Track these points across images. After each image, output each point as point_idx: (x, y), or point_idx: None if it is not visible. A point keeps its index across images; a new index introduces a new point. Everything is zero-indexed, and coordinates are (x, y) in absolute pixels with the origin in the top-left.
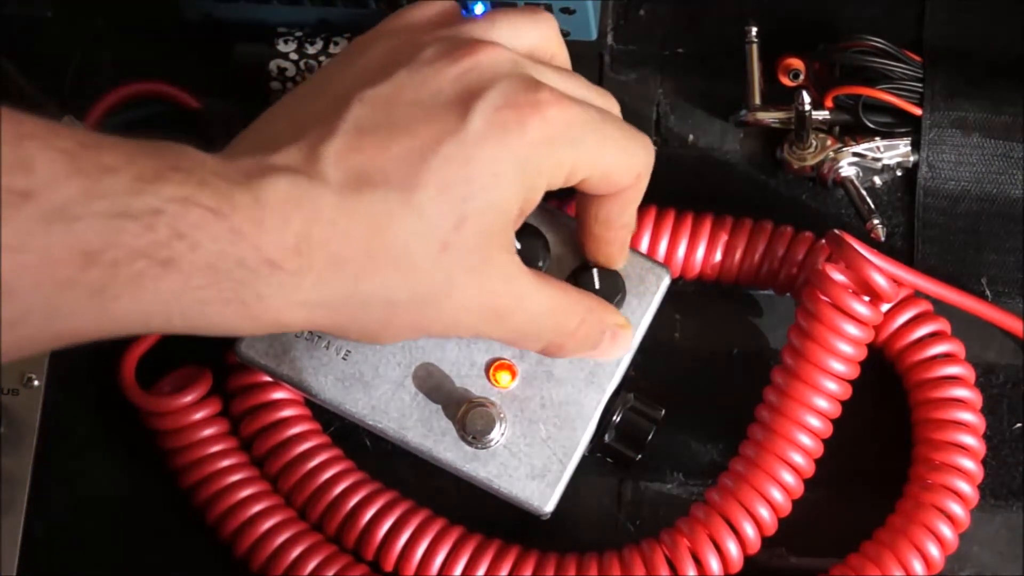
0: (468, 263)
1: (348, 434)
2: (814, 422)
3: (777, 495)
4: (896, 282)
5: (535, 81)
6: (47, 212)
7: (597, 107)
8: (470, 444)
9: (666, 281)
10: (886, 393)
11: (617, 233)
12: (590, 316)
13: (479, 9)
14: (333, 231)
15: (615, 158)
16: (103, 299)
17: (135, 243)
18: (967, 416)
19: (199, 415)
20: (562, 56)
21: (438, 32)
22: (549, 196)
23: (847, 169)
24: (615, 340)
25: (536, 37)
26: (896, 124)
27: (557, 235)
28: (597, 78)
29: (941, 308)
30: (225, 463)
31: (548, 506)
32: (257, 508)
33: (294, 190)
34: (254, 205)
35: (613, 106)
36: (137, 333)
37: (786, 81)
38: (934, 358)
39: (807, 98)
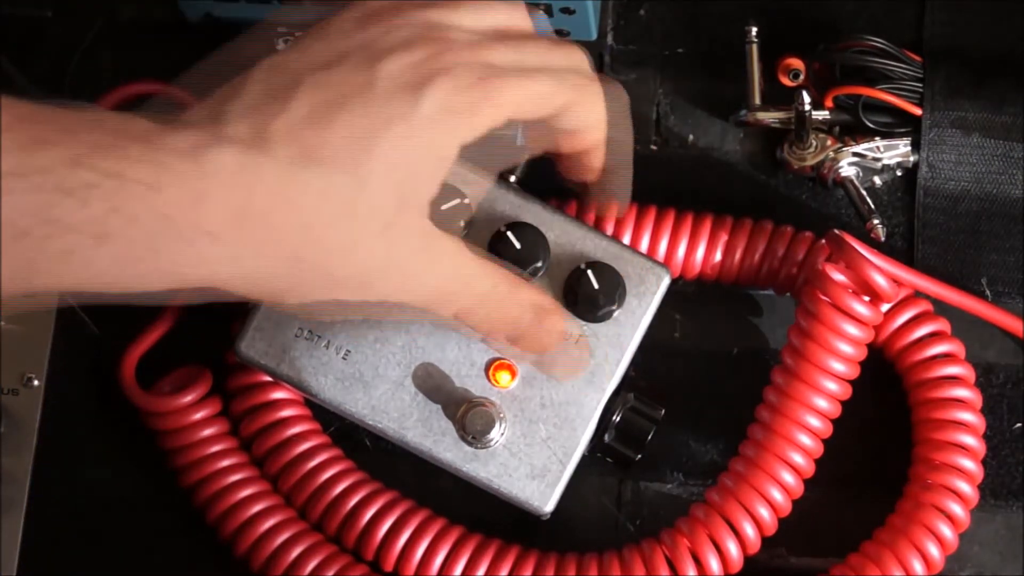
0: (410, 244)
1: (348, 434)
2: (814, 422)
3: (777, 495)
4: (896, 282)
5: (488, 65)
6: None
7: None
8: (470, 444)
9: (666, 281)
10: (886, 393)
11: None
12: (505, 285)
13: None
14: (275, 203)
15: (534, 87)
16: (33, 270)
17: (69, 218)
18: (967, 416)
19: (199, 415)
20: (524, 27)
21: (397, 17)
22: (549, 196)
23: (847, 169)
24: (540, 322)
25: (498, 19)
26: (896, 124)
27: (557, 235)
28: None
29: (941, 308)
30: (225, 463)
31: (548, 506)
32: (257, 508)
33: (240, 161)
34: (196, 176)
35: (579, 60)
36: (70, 296)
37: (786, 81)
38: (934, 358)
39: (807, 98)
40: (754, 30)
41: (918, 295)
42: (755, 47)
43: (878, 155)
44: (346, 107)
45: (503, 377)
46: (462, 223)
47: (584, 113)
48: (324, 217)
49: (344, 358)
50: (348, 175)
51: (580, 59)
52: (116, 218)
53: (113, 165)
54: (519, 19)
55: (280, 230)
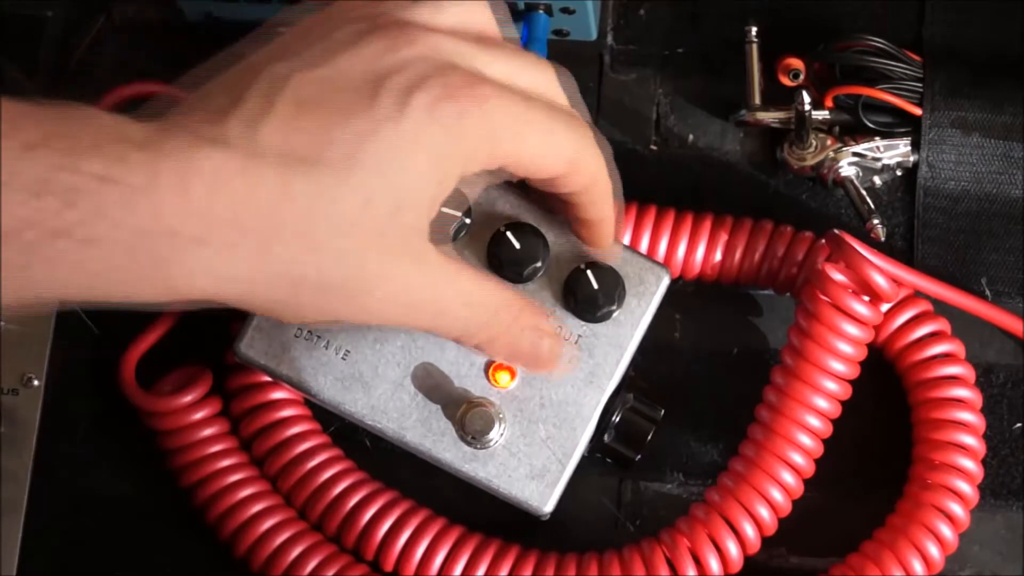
0: (396, 251)
1: (348, 434)
2: (814, 422)
3: (777, 495)
4: (896, 282)
5: (474, 70)
6: None
7: (527, 90)
8: (469, 444)
9: (666, 281)
10: (886, 393)
11: (596, 223)
12: (505, 312)
13: None
14: (265, 207)
15: (538, 144)
16: (24, 277)
17: (54, 223)
18: (967, 416)
19: (199, 415)
20: (492, 31)
21: (382, 16)
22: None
23: (847, 169)
24: (536, 348)
25: (477, 18)
26: (896, 124)
27: (557, 235)
28: (597, 78)
29: (941, 308)
30: (225, 463)
31: (547, 506)
32: (257, 508)
33: (227, 163)
34: (183, 178)
35: (549, 78)
36: (51, 305)
37: (786, 81)
38: (934, 358)
39: (807, 98)
40: (754, 30)
41: (918, 295)
42: (755, 47)
43: (878, 155)
44: (333, 108)
45: (503, 377)
46: (451, 230)
47: (585, 165)
48: (316, 222)
49: (343, 358)
50: (339, 177)
51: (547, 76)
52: (102, 222)
53: (99, 168)
54: (488, 20)
55: (272, 235)
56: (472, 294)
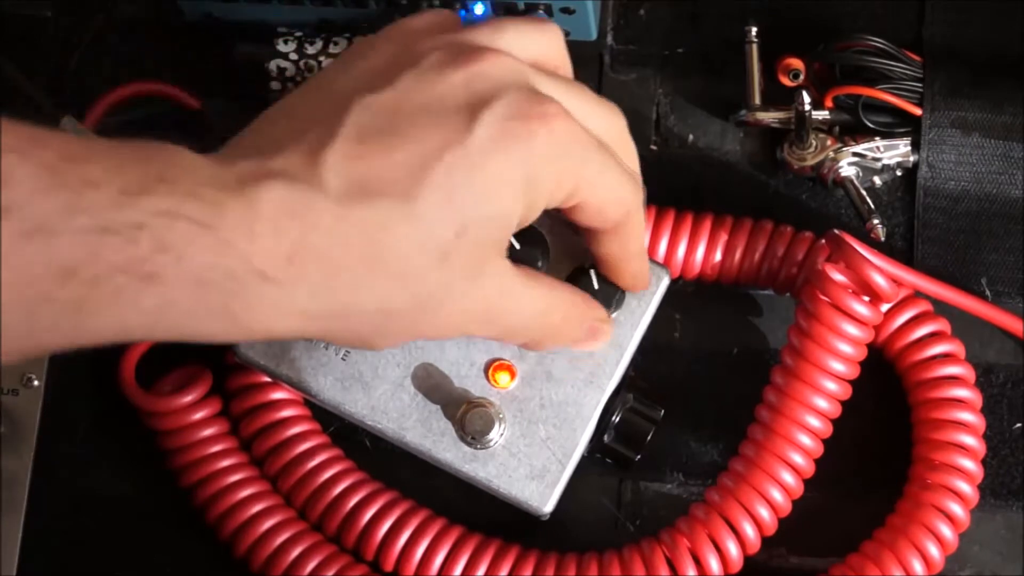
0: (467, 272)
1: (348, 434)
2: (814, 422)
3: (777, 495)
4: (896, 282)
5: (541, 93)
6: (25, 228)
7: (598, 132)
8: (469, 444)
9: (666, 281)
10: (886, 393)
11: (628, 264)
12: (573, 311)
13: (479, 9)
14: (330, 240)
15: (611, 188)
16: (81, 315)
17: (115, 258)
18: (967, 416)
19: (199, 415)
20: (566, 67)
21: (442, 38)
22: None
23: (847, 169)
24: (595, 335)
25: (542, 46)
26: (896, 124)
27: (557, 236)
28: (597, 78)
29: (941, 308)
30: (225, 463)
31: (547, 506)
32: (257, 508)
33: (291, 196)
34: (247, 213)
35: (618, 118)
36: (118, 343)
37: (786, 81)
38: (934, 358)
39: (807, 98)
40: (754, 30)
41: (918, 295)
42: (755, 47)
43: (878, 155)
44: (397, 133)
45: (502, 377)
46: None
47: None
48: (380, 250)
49: (344, 359)
50: (402, 204)
51: (617, 117)
52: (163, 257)
53: (160, 203)
54: (559, 52)
55: (336, 268)
56: (546, 301)
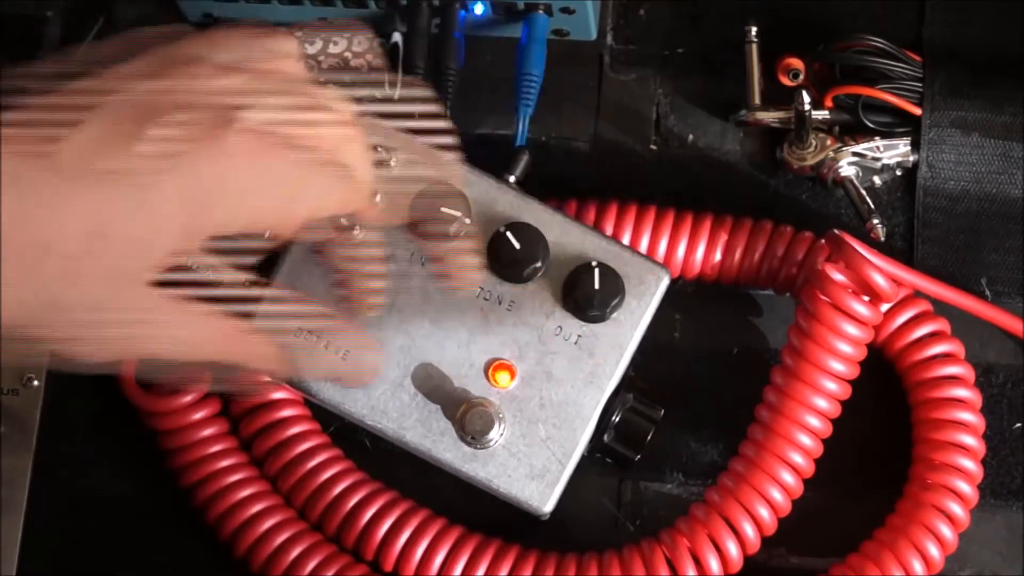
0: (124, 282)
1: (348, 434)
2: (814, 422)
3: (777, 495)
4: (896, 282)
5: (313, 100)
6: None
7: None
8: (469, 444)
9: (665, 281)
10: (886, 393)
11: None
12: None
13: (479, 9)
14: (51, 220)
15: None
16: None
17: None
18: (967, 416)
19: (199, 415)
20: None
21: (175, 53)
22: (549, 196)
23: (847, 169)
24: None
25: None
26: (896, 124)
27: (557, 235)
28: (597, 78)
29: (941, 308)
30: (225, 463)
31: (547, 506)
32: (257, 508)
33: (22, 171)
34: None
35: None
36: None
37: (786, 81)
38: (934, 358)
39: (807, 98)
40: (754, 30)
41: (918, 295)
42: (755, 47)
43: (878, 155)
44: (142, 129)
45: (502, 377)
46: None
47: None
48: (48, 248)
49: (343, 358)
50: (138, 195)
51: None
52: None
53: None
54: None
55: (49, 251)
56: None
